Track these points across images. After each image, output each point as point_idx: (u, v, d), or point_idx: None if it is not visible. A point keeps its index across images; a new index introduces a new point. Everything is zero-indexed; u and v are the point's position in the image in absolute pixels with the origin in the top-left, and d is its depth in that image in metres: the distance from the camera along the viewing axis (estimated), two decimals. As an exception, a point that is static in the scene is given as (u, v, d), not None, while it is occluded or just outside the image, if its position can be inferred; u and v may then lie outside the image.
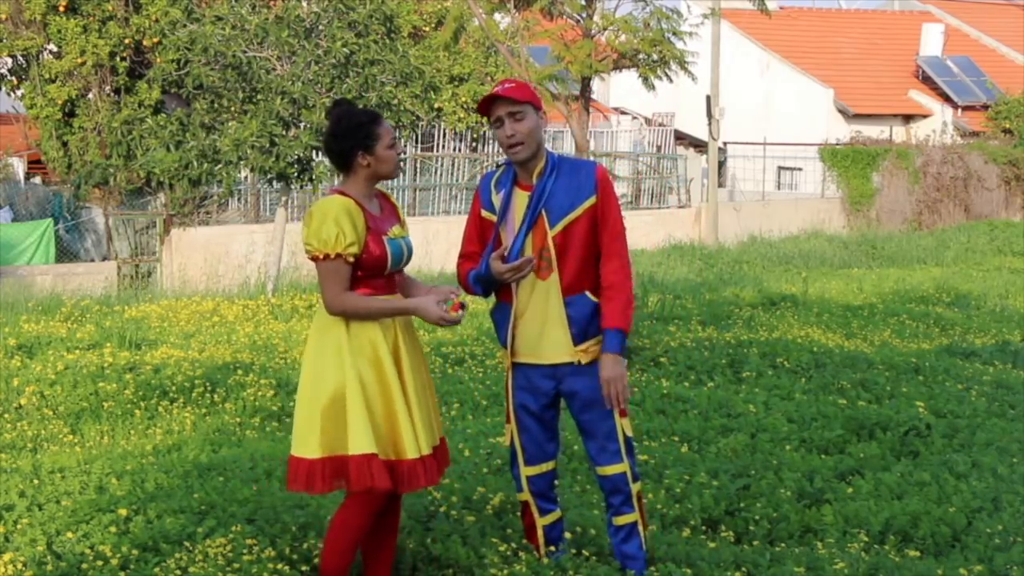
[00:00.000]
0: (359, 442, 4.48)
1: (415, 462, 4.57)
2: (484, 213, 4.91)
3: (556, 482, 5.08)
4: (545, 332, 4.82)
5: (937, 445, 7.68)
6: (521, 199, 4.84)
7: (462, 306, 4.65)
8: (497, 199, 4.88)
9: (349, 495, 4.61)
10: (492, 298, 5.00)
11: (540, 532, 5.04)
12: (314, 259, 4.56)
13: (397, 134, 17.99)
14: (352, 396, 4.50)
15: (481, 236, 4.93)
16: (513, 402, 4.93)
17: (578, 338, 4.81)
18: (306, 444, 4.54)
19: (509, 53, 24.72)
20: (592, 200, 4.81)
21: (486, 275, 4.84)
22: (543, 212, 4.80)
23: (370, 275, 4.60)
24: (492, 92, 4.81)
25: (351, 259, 4.53)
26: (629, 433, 4.93)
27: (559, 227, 4.79)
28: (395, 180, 25.94)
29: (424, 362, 4.82)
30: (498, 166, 4.99)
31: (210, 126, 14.98)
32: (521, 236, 4.80)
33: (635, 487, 4.95)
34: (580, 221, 4.79)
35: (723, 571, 5.25)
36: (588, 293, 4.82)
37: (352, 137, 4.62)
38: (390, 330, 4.62)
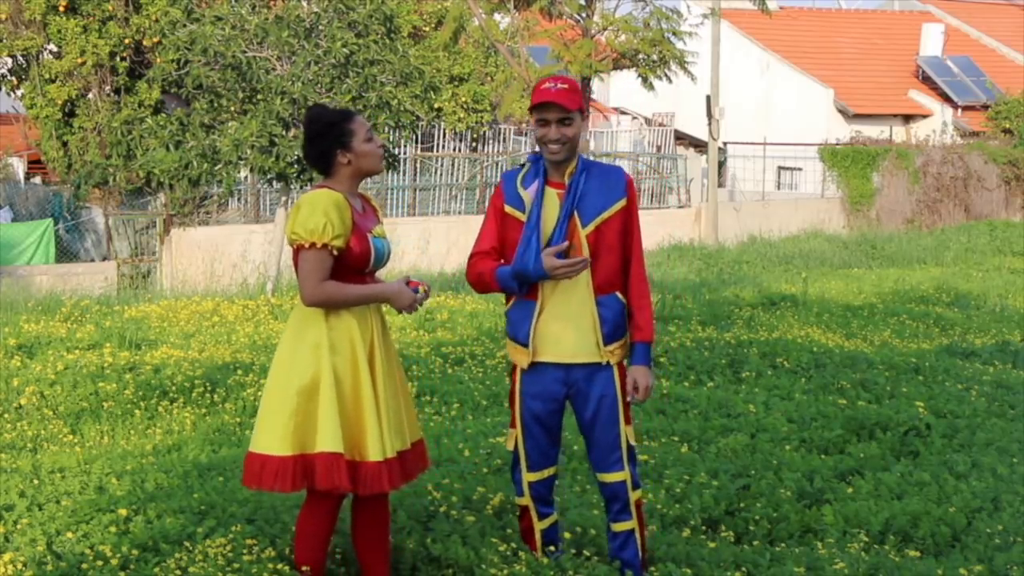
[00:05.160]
0: (327, 440, 4.47)
1: (379, 464, 4.54)
2: (508, 208, 4.86)
3: (556, 483, 5.08)
4: (568, 331, 4.81)
5: (937, 445, 7.68)
6: (552, 197, 4.82)
7: (426, 294, 4.70)
8: (526, 195, 4.84)
9: (309, 497, 4.62)
10: (497, 296, 4.98)
11: (538, 536, 5.05)
12: (298, 248, 4.53)
13: (396, 134, 17.99)
14: (326, 393, 4.49)
15: (501, 232, 4.87)
16: (521, 408, 4.91)
17: (608, 338, 4.82)
18: (272, 441, 4.51)
19: (509, 53, 24.71)
20: (623, 202, 4.84)
21: (534, 272, 4.73)
22: (575, 211, 4.79)
23: (350, 272, 4.58)
24: (548, 95, 4.72)
25: (335, 251, 4.52)
26: (632, 441, 4.93)
27: (591, 227, 4.79)
28: (395, 180, 26.00)
29: (399, 365, 4.80)
30: (521, 164, 4.96)
31: (210, 126, 14.99)
32: (561, 232, 4.77)
33: (634, 495, 4.94)
34: (612, 222, 4.82)
35: (723, 571, 5.25)
36: (619, 294, 4.86)
37: (326, 137, 4.62)
38: (367, 331, 4.61)
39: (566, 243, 4.76)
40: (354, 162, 4.63)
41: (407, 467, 4.72)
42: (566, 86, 4.77)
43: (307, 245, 4.50)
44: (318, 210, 4.49)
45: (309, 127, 4.67)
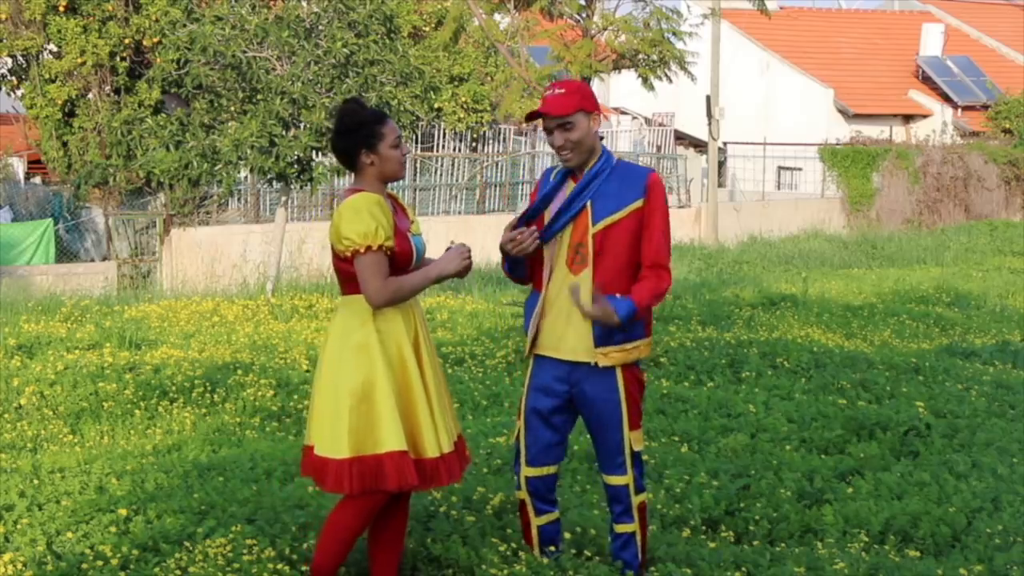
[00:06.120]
0: (392, 440, 4.49)
1: (436, 460, 4.60)
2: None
3: (558, 484, 5.07)
4: (568, 327, 4.80)
5: (937, 445, 7.68)
6: (570, 188, 4.84)
7: (462, 249, 4.73)
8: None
9: (348, 495, 4.61)
10: (517, 295, 5.00)
11: (534, 531, 5.04)
12: (353, 254, 4.53)
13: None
14: (382, 394, 4.51)
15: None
16: (525, 400, 4.93)
17: (600, 340, 4.77)
18: (334, 444, 4.53)
19: (509, 53, 24.71)
20: (639, 203, 4.78)
21: (502, 245, 4.80)
22: (589, 207, 4.77)
23: (396, 272, 4.61)
24: (541, 106, 4.77)
25: (388, 252, 4.55)
26: (637, 447, 4.91)
27: (601, 225, 4.76)
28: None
29: (439, 360, 4.85)
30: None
31: (210, 126, 14.98)
32: (563, 219, 4.77)
33: (637, 499, 4.94)
34: (623, 223, 4.76)
35: (723, 571, 5.25)
36: (619, 296, 4.79)
37: (355, 135, 4.64)
38: (411, 327, 4.65)
39: (528, 228, 4.75)
40: (377, 164, 4.65)
41: (461, 461, 4.77)
42: (562, 91, 4.76)
43: (363, 250, 4.51)
44: (364, 213, 4.51)
45: (340, 121, 4.69)
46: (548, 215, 4.84)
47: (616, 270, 4.78)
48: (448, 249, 4.75)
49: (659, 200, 4.81)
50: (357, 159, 4.66)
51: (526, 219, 4.83)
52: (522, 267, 4.90)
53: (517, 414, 5.01)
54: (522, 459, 4.95)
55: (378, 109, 4.81)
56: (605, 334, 4.78)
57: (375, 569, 4.80)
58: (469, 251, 4.73)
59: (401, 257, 4.62)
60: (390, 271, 4.58)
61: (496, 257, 16.66)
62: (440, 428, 4.62)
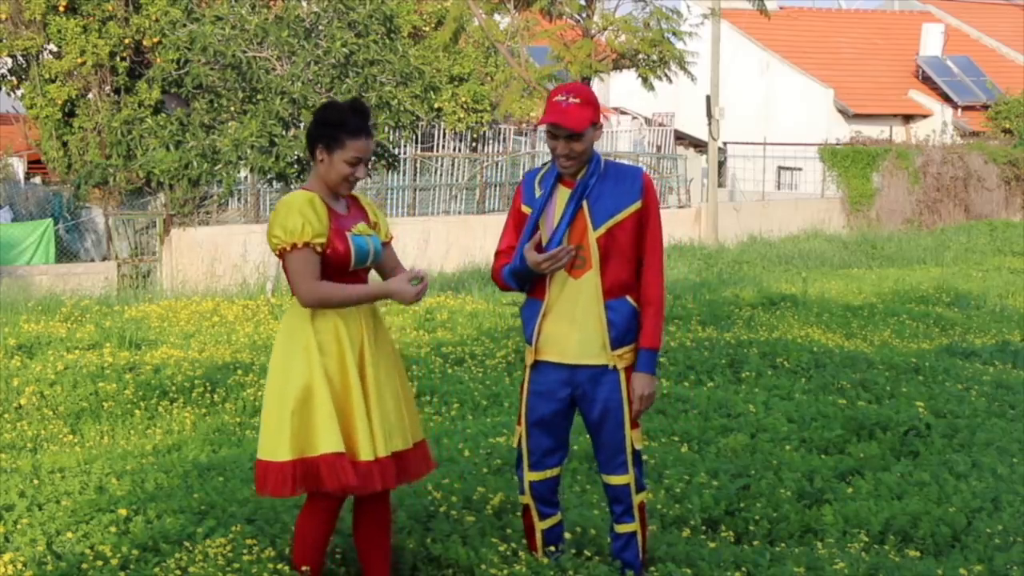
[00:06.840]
0: (328, 441, 4.47)
1: (369, 464, 4.53)
2: (525, 208, 4.87)
3: (559, 487, 5.07)
4: (574, 331, 4.79)
5: (937, 445, 7.68)
6: (563, 195, 4.81)
7: (423, 282, 4.65)
8: (540, 192, 4.85)
9: (309, 499, 4.61)
10: (517, 296, 4.97)
11: (539, 536, 5.04)
12: (281, 252, 4.51)
13: (396, 134, 17.97)
14: (320, 395, 4.48)
15: (519, 231, 4.88)
16: (526, 406, 4.91)
17: (616, 343, 4.79)
18: (275, 448, 4.52)
19: (509, 53, 24.72)
20: (638, 205, 4.79)
21: (521, 268, 4.77)
22: (586, 210, 4.77)
23: (334, 272, 4.56)
24: (555, 115, 4.67)
25: (318, 249, 4.50)
26: (638, 446, 4.91)
27: (603, 229, 4.76)
28: (395, 180, 26.01)
29: (398, 366, 4.77)
30: (544, 164, 4.97)
31: (210, 126, 15.00)
32: (562, 228, 4.76)
33: (638, 498, 4.94)
34: (625, 224, 4.77)
35: (723, 571, 5.25)
36: (629, 298, 4.80)
37: (323, 128, 4.59)
38: (357, 332, 4.58)
39: (538, 237, 4.75)
40: (326, 165, 4.58)
41: (407, 467, 4.71)
42: (578, 101, 4.70)
43: (289, 247, 4.48)
44: (293, 211, 4.48)
45: (323, 110, 4.65)
46: (545, 223, 4.82)
47: (622, 272, 4.80)
48: (408, 275, 4.62)
49: (654, 202, 4.88)
50: (314, 151, 4.62)
51: (529, 233, 4.81)
52: (531, 280, 4.85)
53: (518, 419, 4.99)
54: (525, 464, 4.95)
55: (366, 125, 4.70)
56: (620, 336, 4.79)
57: (367, 569, 4.80)
58: (424, 281, 4.63)
59: (334, 258, 4.54)
60: (327, 270, 4.52)
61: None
62: (377, 433, 4.54)
